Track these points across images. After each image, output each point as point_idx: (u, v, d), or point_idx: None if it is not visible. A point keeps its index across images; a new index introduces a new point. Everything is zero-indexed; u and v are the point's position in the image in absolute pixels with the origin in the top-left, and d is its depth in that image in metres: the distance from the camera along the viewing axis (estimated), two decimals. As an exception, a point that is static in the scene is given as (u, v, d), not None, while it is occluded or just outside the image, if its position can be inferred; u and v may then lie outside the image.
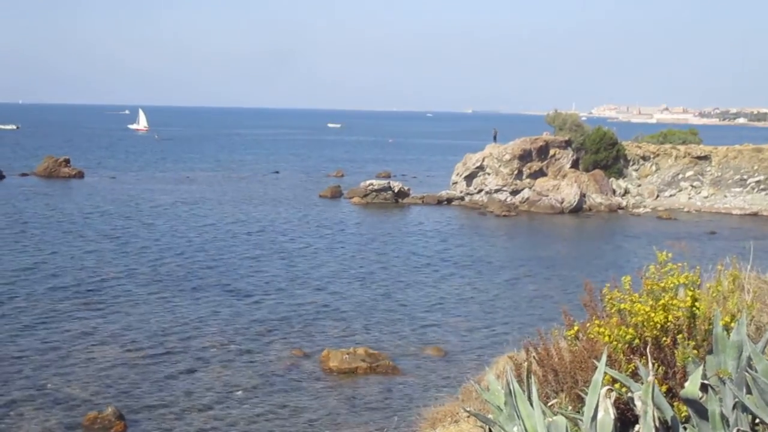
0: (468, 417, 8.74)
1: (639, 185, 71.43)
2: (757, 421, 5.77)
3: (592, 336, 7.02)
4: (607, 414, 5.89)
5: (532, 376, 6.58)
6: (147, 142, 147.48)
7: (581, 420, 6.05)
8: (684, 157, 71.42)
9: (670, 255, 7.43)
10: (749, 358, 6.03)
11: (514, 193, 67.98)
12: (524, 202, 67.01)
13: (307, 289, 36.14)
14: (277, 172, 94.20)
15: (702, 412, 5.91)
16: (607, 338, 6.82)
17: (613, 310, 7.25)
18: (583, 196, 66.37)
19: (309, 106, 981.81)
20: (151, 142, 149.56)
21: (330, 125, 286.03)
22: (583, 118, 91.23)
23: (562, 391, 7.02)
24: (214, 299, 33.63)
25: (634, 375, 6.58)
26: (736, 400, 5.80)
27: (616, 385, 6.34)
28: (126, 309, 31.55)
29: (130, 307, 31.92)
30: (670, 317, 6.82)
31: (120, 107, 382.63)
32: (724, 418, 5.86)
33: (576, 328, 7.39)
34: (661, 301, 6.94)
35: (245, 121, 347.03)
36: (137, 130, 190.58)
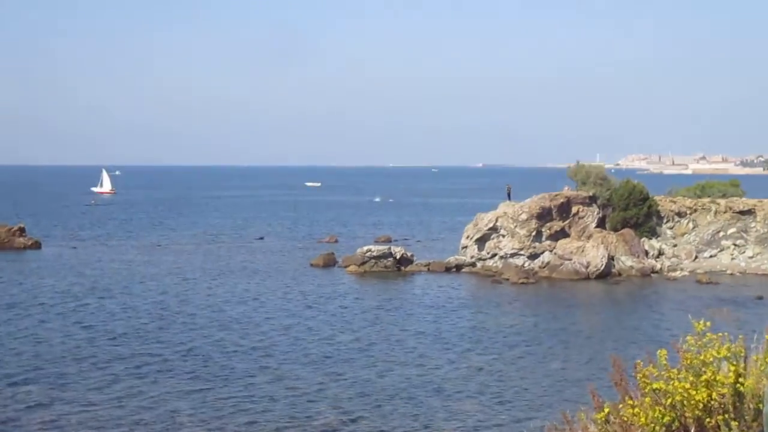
0: None
1: (675, 245, 71.47)
2: None
3: (626, 419, 7.01)
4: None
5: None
6: (112, 207, 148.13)
7: None
8: (725, 212, 71.59)
9: (708, 324, 7.44)
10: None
11: (533, 257, 68.01)
12: (544, 267, 66.98)
13: (299, 368, 35.96)
14: (262, 239, 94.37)
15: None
16: (642, 420, 6.81)
17: (647, 389, 7.23)
18: (611, 259, 66.37)
19: (285, 163, 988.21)
20: (117, 206, 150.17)
21: (308, 184, 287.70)
22: (610, 171, 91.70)
23: (592, 482, 7.00)
24: (195, 381, 33.47)
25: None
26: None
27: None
28: (88, 396, 31.40)
29: (94, 394, 31.77)
30: (713, 395, 6.78)
31: (96, 169, 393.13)
32: None
33: (606, 410, 7.38)
34: (703, 377, 6.89)
35: (216, 181, 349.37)
36: (101, 193, 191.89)
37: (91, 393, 32.22)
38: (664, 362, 7.47)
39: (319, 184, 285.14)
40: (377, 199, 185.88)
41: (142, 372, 35.51)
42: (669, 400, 6.91)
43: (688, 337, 7.46)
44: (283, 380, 34.52)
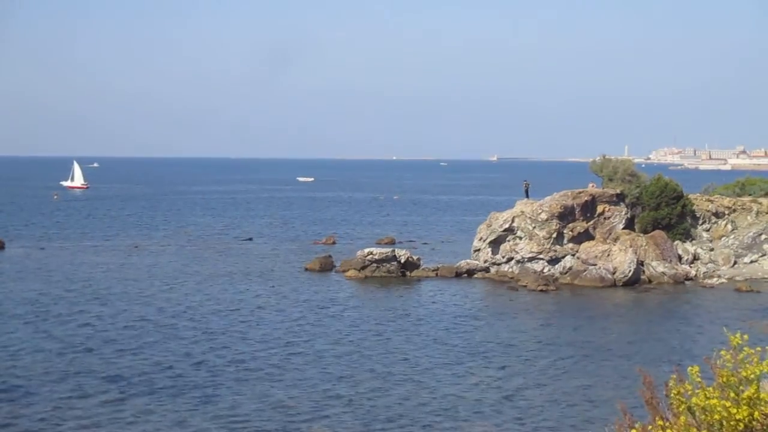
0: None
1: (711, 249, 71.48)
2: None
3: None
4: None
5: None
6: (83, 203, 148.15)
7: None
8: (767, 212, 71.59)
9: (746, 337, 7.54)
10: None
11: (553, 261, 68.07)
12: (566, 272, 67.04)
13: (296, 386, 36.20)
14: (251, 239, 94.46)
15: None
16: (674, 442, 6.91)
17: (681, 408, 7.31)
18: (640, 264, 66.40)
19: (278, 155, 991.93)
20: (88, 203, 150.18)
21: (300, 179, 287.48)
22: (639, 165, 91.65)
23: None
24: (179, 400, 33.68)
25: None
26: None
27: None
28: (61, 416, 31.59)
29: (68, 413, 31.96)
30: (756, 414, 6.82)
31: (83, 159, 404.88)
32: None
33: (634, 431, 7.48)
34: (746, 394, 6.94)
35: (203, 175, 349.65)
36: (72, 188, 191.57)
37: (65, 412, 32.43)
38: (698, 380, 7.52)
39: (312, 179, 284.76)
40: (381, 197, 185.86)
41: (120, 388, 35.70)
42: (707, 418, 6.98)
43: (722, 352, 7.54)
44: (278, 399, 34.69)
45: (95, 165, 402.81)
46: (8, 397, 34.12)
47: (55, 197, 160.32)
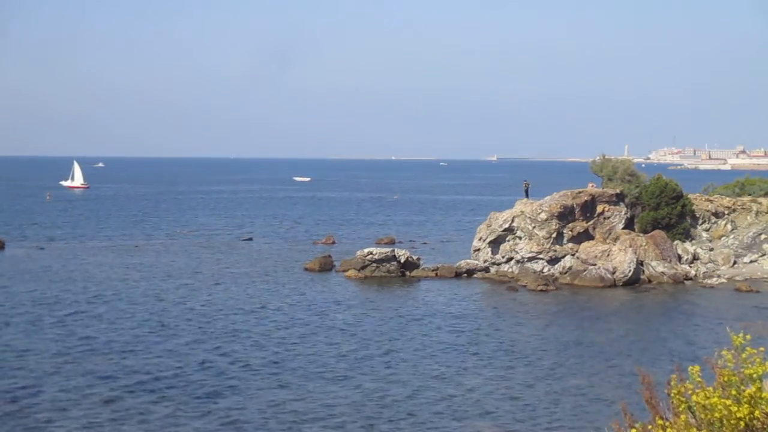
0: None
1: (711, 249, 71.46)
2: None
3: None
4: None
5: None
6: (82, 204, 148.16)
7: None
8: (767, 212, 71.56)
9: (748, 337, 7.51)
10: None
11: (553, 261, 68.05)
12: (566, 272, 67.01)
13: (323, 386, 36.26)
14: (250, 239, 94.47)
15: None
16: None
17: (681, 408, 7.29)
18: (640, 264, 66.38)
19: (278, 155, 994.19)
20: (86, 203, 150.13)
21: (297, 179, 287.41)
22: (639, 165, 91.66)
23: None
24: (202, 401, 33.70)
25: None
26: None
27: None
28: (87, 417, 31.57)
29: (90, 415, 31.93)
30: (757, 413, 6.79)
31: (90, 159, 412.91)
32: None
33: (634, 430, 7.46)
34: (747, 392, 6.91)
35: (202, 174, 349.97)
36: (71, 188, 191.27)
37: (87, 414, 32.40)
38: (698, 379, 7.50)
39: (308, 179, 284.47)
40: (383, 196, 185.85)
41: (142, 389, 35.64)
42: (707, 416, 6.95)
43: (723, 352, 7.52)
44: (306, 399, 34.75)
45: (100, 165, 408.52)
46: (15, 399, 34.08)
47: (48, 198, 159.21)
